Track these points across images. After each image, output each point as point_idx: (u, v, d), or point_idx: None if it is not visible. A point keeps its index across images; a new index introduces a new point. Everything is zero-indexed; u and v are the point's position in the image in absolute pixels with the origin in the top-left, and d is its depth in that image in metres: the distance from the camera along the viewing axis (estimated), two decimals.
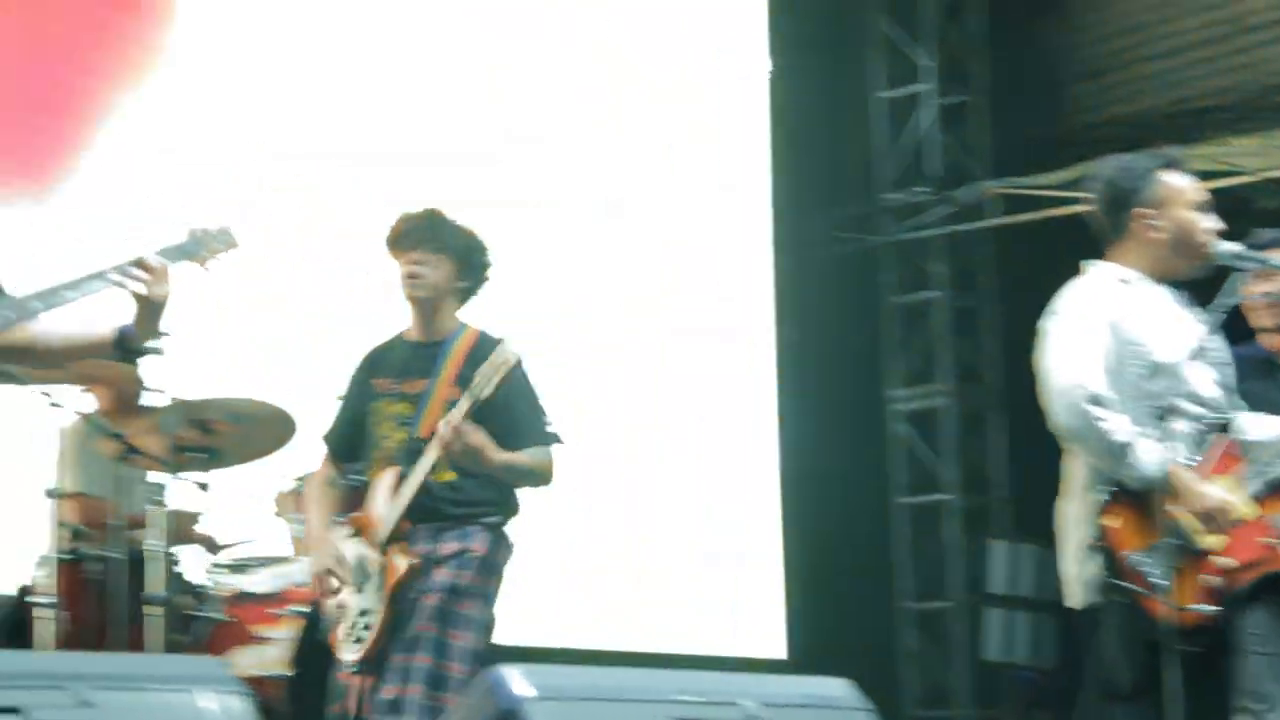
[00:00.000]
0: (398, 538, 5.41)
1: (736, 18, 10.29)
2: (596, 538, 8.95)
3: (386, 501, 5.45)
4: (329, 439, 5.81)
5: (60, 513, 6.35)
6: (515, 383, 5.41)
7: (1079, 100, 10.68)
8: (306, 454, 6.28)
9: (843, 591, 10.11)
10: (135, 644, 6.11)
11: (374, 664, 5.36)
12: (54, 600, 6.15)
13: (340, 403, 5.77)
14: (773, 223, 10.22)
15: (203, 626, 6.34)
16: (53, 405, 6.40)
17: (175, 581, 6.26)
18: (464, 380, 5.33)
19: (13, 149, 7.67)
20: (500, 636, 5.63)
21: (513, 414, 5.44)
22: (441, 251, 5.57)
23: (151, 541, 6.16)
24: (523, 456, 5.45)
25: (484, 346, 5.40)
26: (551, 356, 6.19)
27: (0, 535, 6.84)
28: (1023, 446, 9.74)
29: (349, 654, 5.43)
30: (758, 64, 10.30)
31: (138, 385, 6.54)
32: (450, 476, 5.43)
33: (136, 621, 6.14)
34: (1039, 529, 9.92)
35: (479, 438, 5.29)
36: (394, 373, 5.62)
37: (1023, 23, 10.87)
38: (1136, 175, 5.04)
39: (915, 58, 10.95)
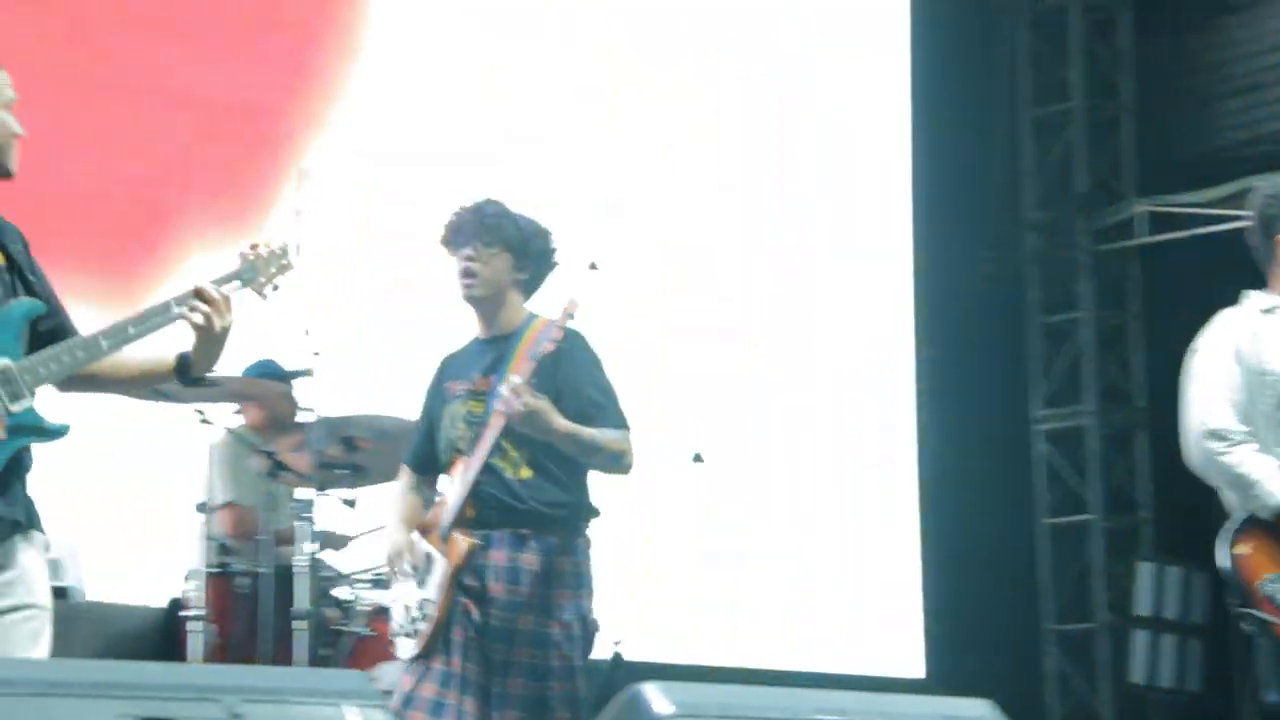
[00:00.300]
0: (461, 523, 5.19)
1: (877, 29, 10.28)
2: (736, 553, 8.90)
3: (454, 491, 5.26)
4: (404, 453, 5.62)
5: (209, 527, 6.45)
6: (584, 368, 5.28)
7: (1229, 117, 10.54)
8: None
9: (985, 612, 10.03)
10: (282, 657, 6.19)
11: (428, 657, 5.15)
12: (203, 613, 6.26)
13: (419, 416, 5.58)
14: (914, 241, 10.18)
15: (348, 641, 6.39)
16: (203, 422, 6.53)
17: (322, 596, 6.32)
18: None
19: (221, 193, 7.79)
20: (640, 653, 5.61)
21: (581, 399, 5.24)
22: (494, 245, 5.32)
23: (299, 556, 6.24)
24: (590, 430, 5.21)
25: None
26: None
27: (152, 549, 6.96)
28: (1168, 467, 9.58)
29: (404, 649, 5.22)
30: (899, 80, 10.28)
31: (291, 404, 6.60)
32: (528, 474, 5.21)
33: (283, 635, 6.22)
34: (1184, 550, 9.92)
35: (542, 402, 5.09)
36: (463, 374, 5.37)
37: (1172, 38, 10.74)
38: None
39: (1062, 74, 10.87)
